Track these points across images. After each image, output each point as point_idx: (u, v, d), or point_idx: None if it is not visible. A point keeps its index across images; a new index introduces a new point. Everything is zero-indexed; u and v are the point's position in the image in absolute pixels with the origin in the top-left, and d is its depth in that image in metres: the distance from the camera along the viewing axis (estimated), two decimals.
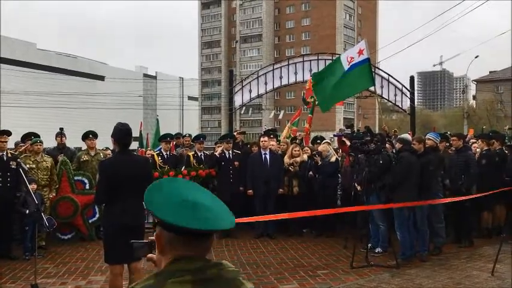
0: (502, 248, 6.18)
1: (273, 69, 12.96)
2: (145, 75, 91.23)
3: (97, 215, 8.34)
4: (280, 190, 8.59)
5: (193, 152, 9.15)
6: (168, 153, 9.20)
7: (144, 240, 1.64)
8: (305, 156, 8.83)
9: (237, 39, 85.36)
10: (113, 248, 4.37)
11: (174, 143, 10.47)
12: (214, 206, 1.38)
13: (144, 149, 11.03)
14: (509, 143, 10.00)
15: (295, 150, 8.83)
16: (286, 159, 8.82)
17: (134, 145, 13.17)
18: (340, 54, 10.71)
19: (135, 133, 13.36)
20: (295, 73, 12.84)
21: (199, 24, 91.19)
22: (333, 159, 8.52)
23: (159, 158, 8.99)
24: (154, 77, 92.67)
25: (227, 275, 1.33)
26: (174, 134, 10.81)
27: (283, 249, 7.73)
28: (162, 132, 10.74)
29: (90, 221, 8.40)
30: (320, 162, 8.47)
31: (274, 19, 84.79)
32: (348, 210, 7.10)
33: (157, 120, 10.54)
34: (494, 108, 51.33)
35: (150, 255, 1.58)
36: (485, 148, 8.80)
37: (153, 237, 1.61)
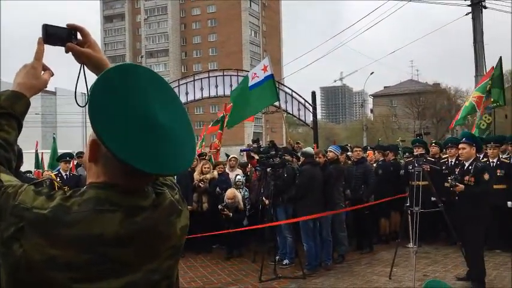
0: (398, 252, 6.61)
1: (178, 85, 12.89)
2: (44, 91, 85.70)
3: None
4: (189, 207, 8.47)
5: None
6: (67, 173, 8.70)
7: (62, 26, 1.33)
8: (215, 173, 8.80)
9: (142, 54, 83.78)
10: None
11: (76, 162, 9.94)
12: (176, 129, 1.11)
13: (40, 170, 10.34)
14: (404, 153, 10.75)
15: (206, 167, 8.76)
16: (196, 176, 8.73)
17: (31, 166, 12.30)
18: (245, 71, 10.94)
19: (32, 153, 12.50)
20: (201, 89, 12.89)
21: (101, 38, 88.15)
22: (241, 203, 8.15)
23: (58, 179, 8.46)
24: (54, 93, 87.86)
25: (159, 220, 1.15)
26: (76, 152, 10.25)
27: (192, 267, 7.61)
28: (61, 151, 10.16)
29: None
30: (231, 215, 8.03)
31: (180, 34, 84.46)
32: (258, 227, 7.19)
33: (53, 138, 9.89)
34: (389, 121, 55.20)
35: (70, 44, 1.32)
36: (381, 159, 9.43)
37: (72, 24, 1.34)
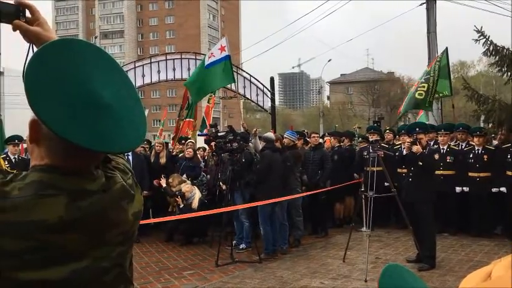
0: (352, 236, 6.78)
1: (134, 67, 12.56)
2: None
3: None
4: (145, 192, 8.30)
5: None
6: (16, 156, 8.37)
7: (9, 2, 1.24)
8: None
9: (96, 34, 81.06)
10: None
11: (25, 145, 9.55)
12: (123, 108, 1.07)
13: None
14: (359, 140, 10.89)
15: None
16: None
17: None
18: (203, 54, 10.83)
19: None
20: (159, 72, 12.62)
21: (53, 16, 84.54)
22: (196, 200, 7.90)
23: (6, 163, 8.11)
24: (1, 73, 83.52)
25: (109, 205, 1.11)
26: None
27: (148, 252, 7.52)
28: (9, 134, 9.70)
29: None
30: (182, 205, 7.85)
31: (136, 15, 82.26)
32: (216, 211, 7.14)
33: (0, 120, 9.43)
34: (345, 108, 56.19)
35: (17, 21, 1.24)
36: (337, 145, 9.59)
37: (21, 0, 1.24)
